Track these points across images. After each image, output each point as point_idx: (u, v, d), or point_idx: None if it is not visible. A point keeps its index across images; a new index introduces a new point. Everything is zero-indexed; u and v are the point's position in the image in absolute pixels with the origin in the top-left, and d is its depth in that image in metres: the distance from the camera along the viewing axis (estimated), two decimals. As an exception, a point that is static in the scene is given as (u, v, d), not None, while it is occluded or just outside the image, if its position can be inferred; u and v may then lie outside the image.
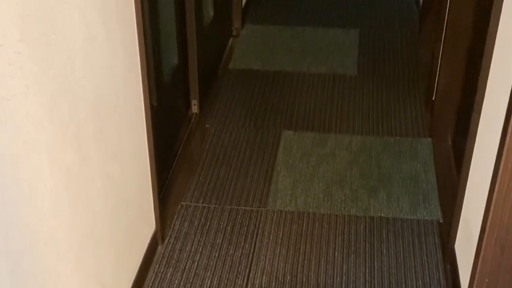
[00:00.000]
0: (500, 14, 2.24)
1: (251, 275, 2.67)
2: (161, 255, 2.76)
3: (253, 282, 2.63)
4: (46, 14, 1.59)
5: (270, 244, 2.83)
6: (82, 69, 1.86)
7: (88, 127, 1.94)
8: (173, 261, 2.73)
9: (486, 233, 2.06)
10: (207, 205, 3.05)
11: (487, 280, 2.14)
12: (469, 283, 2.27)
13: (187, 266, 2.71)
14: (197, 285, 2.62)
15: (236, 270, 2.69)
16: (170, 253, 2.77)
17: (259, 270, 2.69)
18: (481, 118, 2.40)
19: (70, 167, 1.83)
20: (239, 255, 2.77)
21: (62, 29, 1.69)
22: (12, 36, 1.44)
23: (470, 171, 2.52)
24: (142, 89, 2.46)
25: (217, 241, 2.84)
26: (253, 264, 2.72)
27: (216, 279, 2.64)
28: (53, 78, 1.67)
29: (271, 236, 2.87)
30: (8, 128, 1.46)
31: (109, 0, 2.05)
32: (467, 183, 2.55)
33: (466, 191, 2.56)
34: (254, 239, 2.85)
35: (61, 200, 1.79)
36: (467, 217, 2.51)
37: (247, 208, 3.03)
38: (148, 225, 2.70)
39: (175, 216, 2.98)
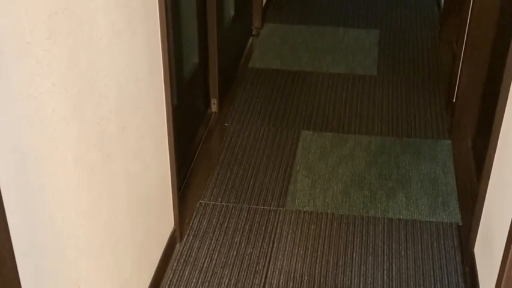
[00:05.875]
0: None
1: (269, 274, 2.67)
2: (179, 254, 2.77)
3: (271, 282, 2.64)
4: (73, 12, 1.61)
5: (288, 244, 2.83)
6: (106, 67, 1.87)
7: (110, 125, 1.95)
8: (191, 260, 2.74)
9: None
10: (225, 204, 3.06)
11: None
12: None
13: (205, 265, 2.72)
14: (214, 284, 2.62)
15: (254, 269, 2.70)
16: (189, 251, 2.78)
17: (277, 270, 2.69)
18: (504, 121, 2.38)
19: (93, 165, 1.84)
20: (257, 254, 2.77)
21: (87, 27, 1.71)
22: (40, 34, 1.45)
23: (491, 174, 2.50)
24: (163, 88, 2.47)
25: (235, 240, 2.84)
26: (271, 264, 2.72)
27: (233, 278, 2.65)
28: (79, 76, 1.68)
29: (289, 236, 2.87)
30: (34, 125, 1.48)
31: (133, 0, 2.06)
32: (488, 186, 2.53)
33: (487, 194, 2.54)
34: (272, 239, 2.85)
35: (84, 197, 1.80)
36: (488, 221, 2.50)
37: (266, 207, 3.04)
38: (166, 223, 2.71)
39: (194, 215, 2.99)
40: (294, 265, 2.72)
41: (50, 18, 1.49)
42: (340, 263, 2.73)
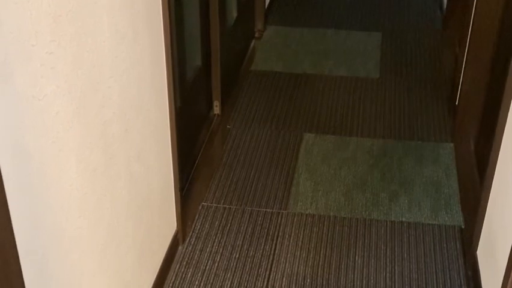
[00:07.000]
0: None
1: (271, 277, 2.67)
2: (181, 256, 2.77)
3: (273, 285, 2.63)
4: (77, 14, 1.61)
5: (290, 246, 2.83)
6: (110, 70, 1.88)
7: (114, 127, 1.95)
8: (193, 262, 2.74)
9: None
10: (227, 206, 3.06)
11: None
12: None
13: (207, 267, 2.72)
14: (217, 286, 2.62)
15: (256, 272, 2.70)
16: (191, 253, 2.79)
17: (280, 273, 2.69)
18: (507, 124, 2.38)
19: (96, 167, 1.84)
20: (259, 257, 2.77)
21: (91, 30, 1.71)
22: (44, 37, 1.45)
23: (494, 177, 2.50)
24: (167, 90, 2.47)
25: (238, 242, 2.84)
26: (273, 267, 2.72)
27: (236, 281, 2.65)
28: (82, 78, 1.68)
29: (291, 239, 2.87)
30: (38, 127, 1.48)
31: (137, 2, 2.07)
32: (491, 189, 2.53)
33: (490, 197, 2.54)
34: (274, 241, 2.85)
35: (87, 199, 1.80)
36: (491, 224, 2.49)
37: (268, 210, 3.04)
38: (169, 226, 2.71)
39: (196, 217, 2.99)
40: (296, 268, 2.72)
41: (54, 20, 1.49)
42: (342, 266, 2.73)
